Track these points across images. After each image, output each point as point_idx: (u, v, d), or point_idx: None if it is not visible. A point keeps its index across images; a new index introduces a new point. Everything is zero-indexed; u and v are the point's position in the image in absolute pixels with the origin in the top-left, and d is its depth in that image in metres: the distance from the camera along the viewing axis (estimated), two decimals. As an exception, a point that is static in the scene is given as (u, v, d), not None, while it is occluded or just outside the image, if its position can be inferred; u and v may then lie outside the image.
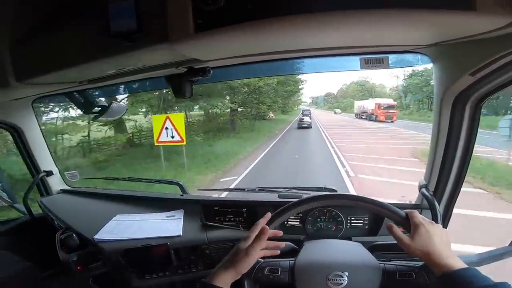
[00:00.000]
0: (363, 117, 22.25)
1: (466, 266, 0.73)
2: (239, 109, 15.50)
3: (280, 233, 0.95)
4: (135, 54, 0.77)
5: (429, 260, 0.78)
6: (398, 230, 0.84)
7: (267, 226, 0.90)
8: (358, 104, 25.22)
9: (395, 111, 19.43)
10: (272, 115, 18.09)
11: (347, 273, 0.93)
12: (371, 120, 20.26)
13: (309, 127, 18.35)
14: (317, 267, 0.98)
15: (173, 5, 0.66)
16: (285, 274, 0.99)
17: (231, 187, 5.75)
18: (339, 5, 0.57)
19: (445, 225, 1.18)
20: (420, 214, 0.90)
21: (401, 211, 0.89)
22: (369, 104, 21.93)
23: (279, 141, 14.06)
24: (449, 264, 0.74)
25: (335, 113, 32.27)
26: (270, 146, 12.33)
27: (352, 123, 21.78)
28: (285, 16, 0.60)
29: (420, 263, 0.96)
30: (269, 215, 0.94)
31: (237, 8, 0.61)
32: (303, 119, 19.22)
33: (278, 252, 0.95)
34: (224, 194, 2.67)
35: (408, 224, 0.85)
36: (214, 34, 0.66)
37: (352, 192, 5.76)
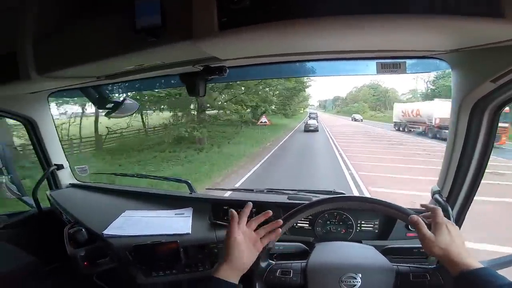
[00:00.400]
0: (416, 130, 15.18)
1: (483, 266, 0.73)
2: (209, 112, 13.02)
3: (269, 213, 0.91)
4: (157, 50, 0.78)
5: (448, 259, 0.77)
6: (425, 226, 0.83)
7: (250, 203, 0.92)
8: (404, 109, 17.21)
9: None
10: (266, 120, 14.24)
11: (360, 275, 0.93)
12: (439, 139, 12.25)
13: (315, 130, 18.26)
14: (330, 268, 0.98)
15: (198, 2, 0.67)
16: (297, 276, 0.99)
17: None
18: (359, 9, 0.58)
19: None
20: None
21: (410, 210, 0.91)
22: (434, 110, 13.41)
23: (267, 162, 9.70)
24: (467, 264, 0.74)
25: (354, 119, 28.73)
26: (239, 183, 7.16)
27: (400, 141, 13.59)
28: (308, 18, 0.61)
29: (434, 265, 0.96)
30: (269, 213, 0.92)
31: (262, 8, 0.62)
32: (310, 122, 19.15)
33: (279, 232, 0.90)
34: (228, 194, 2.68)
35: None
36: (237, 33, 0.66)
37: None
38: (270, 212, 0.91)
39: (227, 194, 2.60)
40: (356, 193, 6.20)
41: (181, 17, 0.70)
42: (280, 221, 0.91)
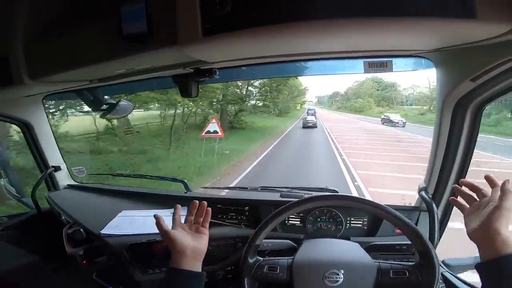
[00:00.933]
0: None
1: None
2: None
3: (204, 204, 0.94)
4: (145, 56, 0.80)
5: (491, 242, 0.68)
6: (462, 203, 0.79)
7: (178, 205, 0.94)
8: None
9: None
10: (217, 130, 8.59)
11: (343, 271, 0.96)
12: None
13: (314, 126, 17.92)
14: (314, 265, 1.01)
15: (182, 10, 0.68)
16: (284, 272, 1.02)
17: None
18: (343, 13, 0.59)
19: (442, 228, 1.20)
20: (419, 216, 0.92)
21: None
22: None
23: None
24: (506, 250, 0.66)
25: (389, 122, 19.48)
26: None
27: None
28: (288, 23, 0.62)
29: (413, 262, 0.99)
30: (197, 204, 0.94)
31: (242, 15, 0.64)
32: (308, 119, 18.83)
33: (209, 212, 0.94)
34: (224, 193, 2.70)
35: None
36: (221, 38, 0.68)
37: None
38: (197, 203, 0.95)
39: (223, 193, 2.62)
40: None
41: (166, 24, 0.71)
42: (204, 203, 0.95)
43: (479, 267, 0.70)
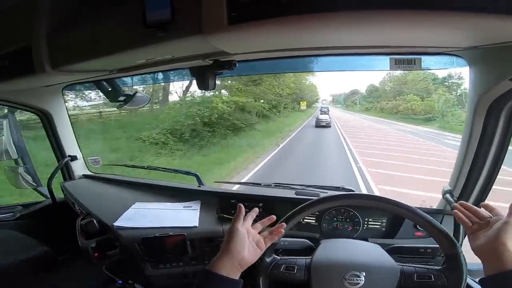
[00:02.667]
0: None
1: None
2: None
3: (273, 218, 0.91)
4: (167, 44, 0.78)
5: (495, 255, 0.70)
6: (464, 218, 0.82)
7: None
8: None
9: None
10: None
11: (364, 273, 0.93)
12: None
13: (327, 126, 16.90)
14: (334, 266, 0.98)
15: None
16: (301, 272, 1.00)
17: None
18: (373, 4, 0.56)
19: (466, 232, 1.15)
20: (442, 219, 0.88)
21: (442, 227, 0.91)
22: None
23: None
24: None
25: None
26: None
27: None
28: (318, 13, 0.59)
29: (439, 267, 0.95)
30: (273, 218, 0.92)
31: (271, 3, 0.61)
32: (321, 117, 18.23)
33: (281, 233, 0.90)
34: (236, 187, 2.69)
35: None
36: (246, 27, 0.65)
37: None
38: (274, 217, 0.92)
39: (235, 188, 2.61)
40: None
41: (190, 12, 0.69)
42: (284, 224, 0.92)
43: (485, 282, 0.71)
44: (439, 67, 1.01)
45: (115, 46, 0.86)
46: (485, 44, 0.75)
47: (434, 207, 1.31)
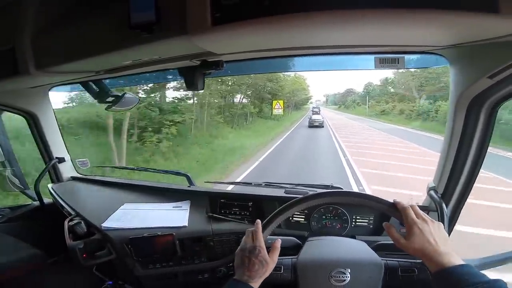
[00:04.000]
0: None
1: (462, 262, 0.72)
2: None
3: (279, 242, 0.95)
4: (153, 46, 0.78)
5: (425, 258, 0.77)
6: (395, 232, 0.85)
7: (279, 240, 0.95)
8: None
9: None
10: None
11: (349, 270, 0.95)
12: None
13: (320, 126, 17.21)
14: (320, 264, 1.00)
15: None
16: (288, 271, 1.01)
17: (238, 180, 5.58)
18: (355, 3, 0.57)
19: (451, 228, 1.17)
20: (427, 215, 0.90)
21: (387, 200, 0.90)
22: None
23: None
24: (443, 261, 0.73)
25: None
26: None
27: None
28: (300, 13, 0.60)
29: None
30: (258, 222, 0.95)
31: (254, 4, 0.62)
32: (314, 117, 18.11)
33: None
34: (230, 187, 2.68)
35: (397, 213, 0.86)
36: (230, 28, 0.66)
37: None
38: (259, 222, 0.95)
39: (227, 188, 2.61)
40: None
41: (175, 13, 0.70)
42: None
43: (434, 278, 0.76)
44: (422, 66, 1.05)
45: (101, 47, 0.85)
46: (464, 42, 0.77)
47: (420, 204, 1.33)
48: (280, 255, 1.04)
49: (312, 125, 17.21)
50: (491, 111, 0.94)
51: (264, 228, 0.94)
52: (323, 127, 17.18)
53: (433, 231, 0.79)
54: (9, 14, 0.99)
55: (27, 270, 1.66)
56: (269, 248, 0.93)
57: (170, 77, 1.45)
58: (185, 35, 0.70)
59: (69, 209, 1.54)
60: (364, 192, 0.96)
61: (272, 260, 0.88)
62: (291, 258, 1.04)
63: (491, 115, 0.94)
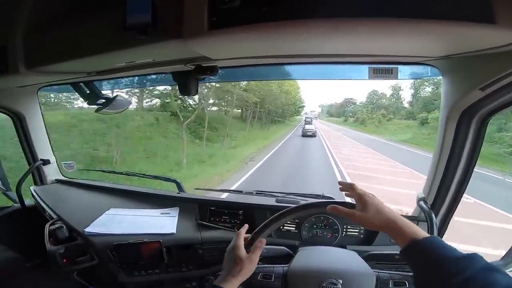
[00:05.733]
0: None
1: (429, 235, 0.67)
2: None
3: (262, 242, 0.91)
4: (147, 48, 0.77)
5: (391, 230, 0.71)
6: (344, 208, 0.79)
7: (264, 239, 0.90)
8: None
9: None
10: None
11: (341, 281, 0.94)
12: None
13: (313, 136, 17.84)
14: (311, 274, 0.98)
15: (189, 1, 0.66)
16: (279, 280, 1.00)
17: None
18: (351, 13, 0.57)
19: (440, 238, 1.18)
20: (417, 225, 0.90)
21: (324, 202, 0.86)
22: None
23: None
24: (413, 233, 0.67)
25: None
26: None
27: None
28: (298, 20, 0.61)
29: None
30: (245, 226, 0.93)
31: (252, 9, 0.62)
32: (307, 127, 18.92)
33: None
34: (220, 195, 2.65)
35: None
36: (227, 33, 0.66)
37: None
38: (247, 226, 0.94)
39: (218, 196, 2.57)
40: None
41: (171, 16, 0.69)
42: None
43: (402, 255, 0.69)
44: (415, 77, 1.06)
45: (94, 47, 0.84)
46: (457, 53, 0.78)
47: (410, 214, 1.34)
48: (270, 264, 1.02)
49: (305, 135, 17.57)
50: (482, 123, 0.95)
51: (256, 236, 0.90)
52: (315, 136, 17.46)
53: (381, 202, 0.76)
54: (2, 12, 0.97)
55: (5, 273, 1.59)
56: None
57: (163, 81, 1.43)
58: (180, 39, 0.69)
59: (51, 213, 1.49)
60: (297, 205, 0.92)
61: (249, 259, 0.83)
62: (282, 267, 1.02)
63: (481, 126, 0.96)
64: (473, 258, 0.59)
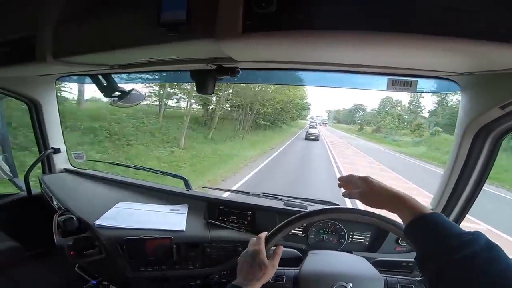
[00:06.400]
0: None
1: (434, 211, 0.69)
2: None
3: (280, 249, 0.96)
4: (176, 45, 0.79)
5: (399, 204, 0.72)
6: (353, 190, 0.85)
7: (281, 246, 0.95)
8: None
9: None
10: None
11: (351, 284, 0.95)
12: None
13: (316, 139, 18.40)
14: (322, 277, 1.00)
15: (225, 3, 0.67)
16: (290, 282, 1.02)
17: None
18: (376, 26, 0.58)
19: None
20: None
21: (395, 221, 0.90)
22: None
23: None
24: (419, 208, 0.69)
25: None
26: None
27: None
28: (331, 31, 0.62)
29: (419, 278, 1.00)
30: (264, 233, 0.96)
31: (288, 15, 0.63)
32: (311, 131, 19.61)
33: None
34: (227, 195, 2.65)
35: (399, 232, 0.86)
36: (259, 37, 0.67)
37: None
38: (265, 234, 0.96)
39: (224, 195, 2.58)
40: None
41: (204, 15, 0.70)
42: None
43: (406, 231, 0.71)
44: (433, 91, 1.07)
45: (123, 41, 0.85)
46: (480, 71, 0.79)
47: None
48: (280, 267, 1.03)
49: (308, 138, 17.91)
50: (497, 141, 0.97)
51: (270, 238, 0.94)
52: (318, 140, 17.71)
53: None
54: (32, 1, 0.98)
55: (5, 261, 1.59)
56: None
57: (180, 78, 1.45)
58: (211, 39, 0.70)
59: (59, 203, 1.50)
60: (366, 210, 0.96)
61: (271, 264, 0.88)
62: (294, 270, 1.04)
63: (496, 144, 0.97)
64: (476, 234, 0.60)
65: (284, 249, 1.18)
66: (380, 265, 1.13)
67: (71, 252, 1.24)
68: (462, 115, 0.98)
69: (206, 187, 1.93)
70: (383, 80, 1.05)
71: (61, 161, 1.89)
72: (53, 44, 0.96)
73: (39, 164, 1.81)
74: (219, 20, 0.68)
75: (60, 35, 0.96)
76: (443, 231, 0.62)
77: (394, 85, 1.04)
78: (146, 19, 0.77)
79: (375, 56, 0.80)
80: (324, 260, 1.11)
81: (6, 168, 1.90)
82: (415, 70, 0.95)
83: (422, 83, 1.02)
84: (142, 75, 1.50)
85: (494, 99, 0.83)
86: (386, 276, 1.01)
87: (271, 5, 0.62)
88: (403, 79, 1.03)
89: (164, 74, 1.42)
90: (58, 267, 1.59)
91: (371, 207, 0.80)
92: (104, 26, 0.89)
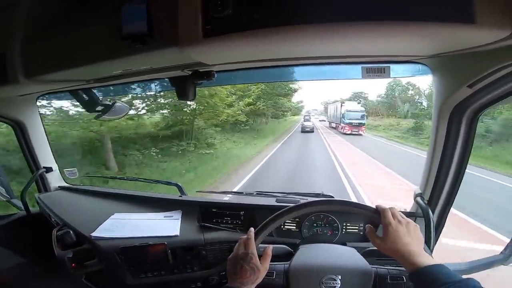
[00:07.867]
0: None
1: (435, 262, 0.76)
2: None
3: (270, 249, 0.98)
4: (144, 56, 0.79)
5: (399, 259, 0.81)
6: (373, 234, 0.90)
7: (271, 246, 0.98)
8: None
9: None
10: None
11: (340, 277, 0.97)
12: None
13: (311, 131, 19.32)
14: (311, 270, 1.01)
15: (184, 10, 0.68)
16: (280, 277, 1.02)
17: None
18: (342, 17, 0.59)
19: (438, 233, 1.20)
20: (415, 221, 0.94)
21: (371, 206, 0.93)
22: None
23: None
24: (418, 262, 0.76)
25: None
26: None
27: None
28: (289, 26, 0.62)
29: None
30: (252, 230, 0.97)
31: (244, 17, 0.63)
32: (306, 124, 20.51)
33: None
34: (221, 197, 2.67)
35: (379, 219, 0.89)
36: (221, 40, 0.67)
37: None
38: (252, 230, 0.97)
39: (221, 197, 2.60)
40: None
41: (167, 24, 0.71)
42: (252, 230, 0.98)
43: (410, 277, 0.79)
44: (406, 75, 1.08)
45: (92, 56, 0.86)
46: (444, 52, 0.80)
47: (408, 210, 1.36)
48: (272, 262, 1.05)
49: (304, 130, 18.65)
50: (472, 119, 0.97)
51: (256, 235, 0.95)
52: (313, 132, 19.07)
53: (407, 232, 0.83)
54: (0, 20, 0.99)
55: (15, 278, 1.62)
56: (261, 256, 0.94)
57: (161, 87, 1.46)
58: (176, 46, 0.71)
59: (56, 219, 1.51)
60: (349, 200, 0.99)
61: (263, 267, 0.91)
62: (283, 264, 1.05)
63: (472, 123, 0.98)
64: (465, 282, 0.67)
65: (275, 245, 1.20)
66: (372, 255, 1.13)
67: (72, 264, 1.28)
68: (435, 97, 0.99)
69: (201, 191, 1.93)
70: (357, 69, 1.06)
71: (55, 180, 1.90)
72: (23, 63, 0.96)
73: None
74: (180, 27, 0.69)
75: (29, 53, 0.96)
76: (438, 281, 0.70)
77: (368, 73, 1.05)
78: (110, 32, 0.78)
79: (348, 46, 0.80)
80: (314, 253, 1.11)
81: (2, 190, 1.91)
82: (387, 57, 0.96)
83: (395, 69, 1.03)
84: (123, 87, 1.50)
85: (462, 79, 0.84)
86: (376, 267, 1.02)
87: (227, 8, 0.63)
88: (376, 66, 1.04)
89: (145, 83, 1.42)
90: (67, 280, 1.60)
91: (382, 252, 0.87)
92: (71, 41, 0.89)
